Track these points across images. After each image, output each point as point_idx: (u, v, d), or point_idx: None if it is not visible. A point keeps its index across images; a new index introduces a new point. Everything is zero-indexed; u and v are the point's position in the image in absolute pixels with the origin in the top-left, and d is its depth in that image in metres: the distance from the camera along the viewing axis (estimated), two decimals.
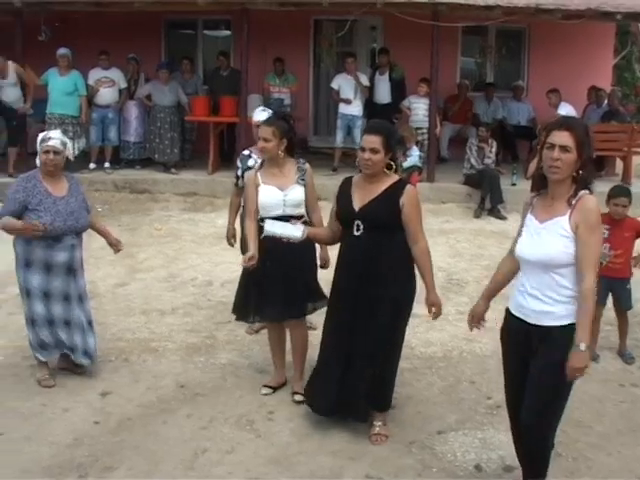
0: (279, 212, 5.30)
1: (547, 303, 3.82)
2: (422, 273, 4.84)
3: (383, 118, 11.99)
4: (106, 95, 12.54)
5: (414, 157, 8.47)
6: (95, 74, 12.48)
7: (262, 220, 5.27)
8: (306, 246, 5.23)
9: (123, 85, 12.71)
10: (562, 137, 3.70)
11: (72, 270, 5.71)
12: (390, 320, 4.85)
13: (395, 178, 4.87)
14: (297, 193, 5.35)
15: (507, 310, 4.09)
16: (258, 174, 5.43)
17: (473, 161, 11.43)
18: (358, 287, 4.84)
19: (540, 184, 3.91)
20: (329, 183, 10.81)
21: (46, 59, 11.99)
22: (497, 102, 13.68)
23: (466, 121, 13.39)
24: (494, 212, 11.10)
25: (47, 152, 5.57)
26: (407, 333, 6.62)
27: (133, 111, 12.95)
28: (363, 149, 4.76)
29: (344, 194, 4.97)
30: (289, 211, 5.32)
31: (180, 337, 6.70)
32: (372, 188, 4.83)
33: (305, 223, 5.31)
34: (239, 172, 6.24)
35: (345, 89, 12.38)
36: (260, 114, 6.32)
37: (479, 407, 5.44)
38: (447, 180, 12.03)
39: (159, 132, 12.66)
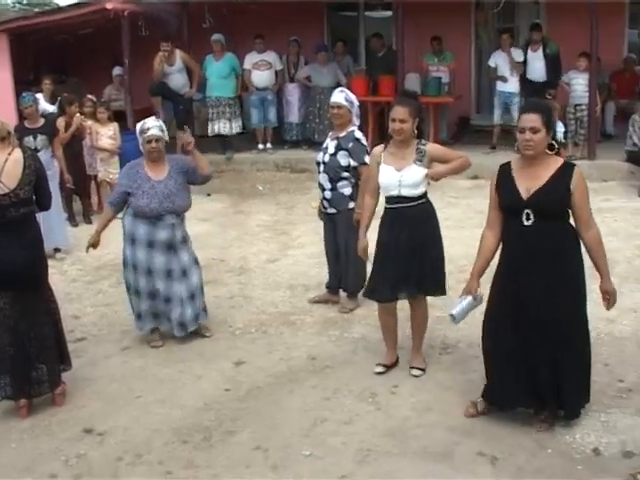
0: (395, 192, 5.36)
1: None
2: (596, 261, 4.58)
3: (537, 95, 11.84)
4: (263, 77, 12.90)
5: (559, 133, 8.23)
6: (251, 58, 12.88)
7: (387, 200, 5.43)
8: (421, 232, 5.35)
9: (279, 67, 13.03)
10: None
11: (172, 247, 6.07)
12: (571, 303, 4.63)
13: (560, 161, 4.57)
14: (413, 174, 5.30)
15: None
16: (382, 153, 5.48)
17: (635, 138, 10.93)
18: (528, 281, 4.60)
19: None
20: (486, 162, 10.69)
21: (209, 45, 12.54)
22: None
23: (632, 96, 12.79)
24: None
25: (149, 142, 5.97)
26: None
27: (294, 93, 13.27)
28: (522, 130, 4.48)
29: (507, 181, 4.65)
30: (405, 192, 5.33)
31: (319, 311, 6.89)
32: (537, 173, 4.53)
33: (426, 202, 5.40)
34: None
35: (501, 66, 12.16)
36: (337, 95, 6.58)
37: (609, 390, 5.27)
38: (609, 157, 11.56)
39: (318, 113, 12.93)
